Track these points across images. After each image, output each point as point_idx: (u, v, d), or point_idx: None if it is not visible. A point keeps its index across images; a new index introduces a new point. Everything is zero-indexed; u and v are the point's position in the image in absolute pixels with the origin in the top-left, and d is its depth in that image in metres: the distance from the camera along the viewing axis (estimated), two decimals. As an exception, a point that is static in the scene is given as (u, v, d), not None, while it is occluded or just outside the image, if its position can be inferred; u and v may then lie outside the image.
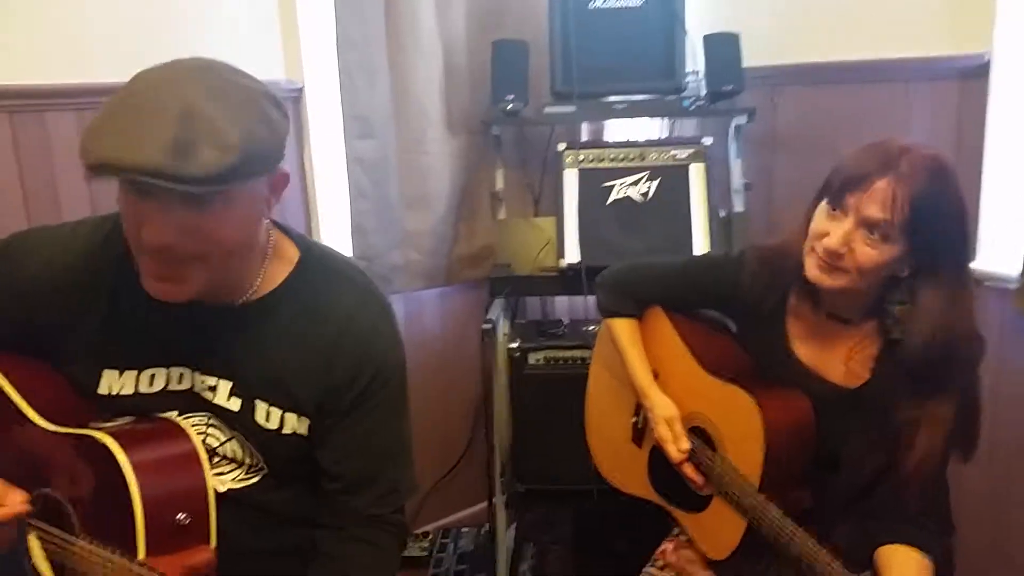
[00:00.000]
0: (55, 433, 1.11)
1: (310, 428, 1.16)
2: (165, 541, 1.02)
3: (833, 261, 1.23)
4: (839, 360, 1.35)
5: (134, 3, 2.00)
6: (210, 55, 2.07)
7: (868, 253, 1.20)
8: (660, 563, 1.50)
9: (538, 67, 2.45)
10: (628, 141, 2.71)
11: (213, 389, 1.15)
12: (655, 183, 2.37)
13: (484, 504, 2.44)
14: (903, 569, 1.23)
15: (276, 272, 1.16)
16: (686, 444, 1.45)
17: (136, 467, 1.02)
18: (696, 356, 1.49)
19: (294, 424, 1.15)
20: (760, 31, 2.48)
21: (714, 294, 1.51)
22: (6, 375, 1.15)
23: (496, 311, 2.36)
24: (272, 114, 1.03)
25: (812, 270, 1.27)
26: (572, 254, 2.35)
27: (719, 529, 1.42)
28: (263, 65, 2.24)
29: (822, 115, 2.42)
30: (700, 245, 2.27)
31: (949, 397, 1.25)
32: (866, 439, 1.29)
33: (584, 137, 2.77)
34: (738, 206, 2.47)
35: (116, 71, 1.83)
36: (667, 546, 1.53)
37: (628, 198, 2.38)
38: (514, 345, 2.32)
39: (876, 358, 1.32)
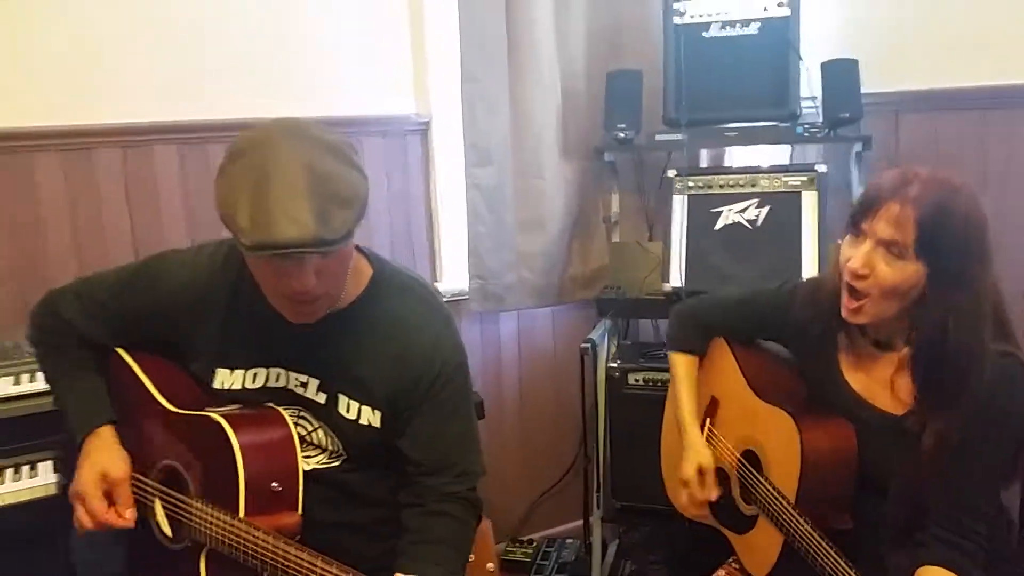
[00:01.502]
0: (179, 414, 1.34)
1: (382, 420, 1.32)
2: (261, 504, 1.22)
3: (857, 283, 1.30)
4: (885, 386, 1.38)
5: (271, 42, 2.27)
6: (346, 94, 2.34)
7: (886, 272, 1.28)
8: (712, 584, 1.56)
9: (653, 94, 2.55)
10: (738, 167, 2.75)
11: (304, 385, 1.34)
12: (764, 210, 2.39)
13: (588, 518, 2.53)
14: None
15: (354, 287, 1.34)
16: (714, 494, 1.55)
17: (242, 442, 1.23)
18: (750, 383, 1.56)
19: (369, 416, 1.32)
20: (880, 57, 2.45)
21: (769, 323, 1.58)
22: (143, 368, 1.40)
23: (599, 331, 2.46)
24: (355, 159, 1.21)
25: (844, 312, 1.35)
26: (676, 278, 2.42)
27: (761, 547, 1.47)
28: (396, 100, 2.48)
29: (944, 141, 2.36)
30: (809, 272, 2.26)
31: (978, 416, 1.27)
32: (912, 465, 1.30)
33: (704, 164, 2.83)
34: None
35: (252, 108, 2.16)
36: (720, 572, 1.59)
37: (737, 224, 2.41)
38: (614, 365, 2.41)
39: (918, 386, 1.33)
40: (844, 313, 1.35)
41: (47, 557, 1.59)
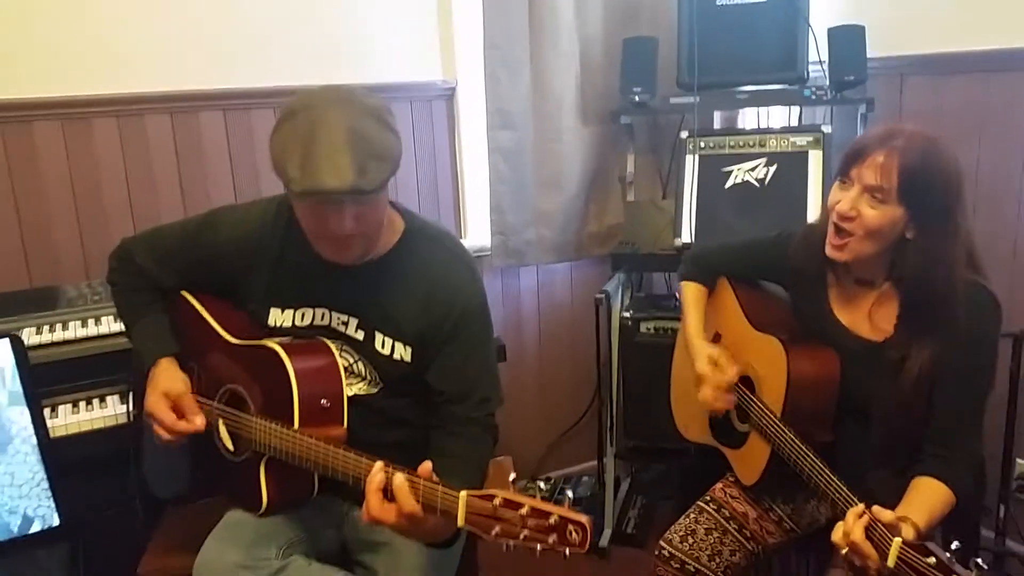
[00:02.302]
0: (239, 344, 1.53)
1: (412, 355, 1.50)
2: (313, 418, 1.40)
3: (844, 224, 1.45)
4: (867, 318, 1.55)
5: (308, 14, 2.42)
6: (377, 62, 2.49)
7: (871, 214, 1.43)
8: (708, 497, 1.74)
9: (668, 60, 2.67)
10: (748, 128, 2.88)
11: (345, 324, 1.53)
12: (772, 168, 2.52)
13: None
14: (922, 490, 1.37)
15: (388, 237, 1.51)
16: (732, 371, 1.65)
17: (295, 366, 1.41)
18: (748, 316, 1.73)
19: (401, 351, 1.50)
20: (886, 22, 2.55)
21: (769, 266, 1.73)
22: (206, 308, 1.60)
23: (613, 284, 2.62)
24: (391, 121, 1.37)
25: (828, 249, 1.51)
26: (686, 234, 2.57)
27: (752, 458, 1.65)
28: (424, 67, 2.64)
29: (948, 104, 2.46)
30: (813, 227, 2.40)
31: (958, 343, 1.42)
32: (892, 388, 1.46)
33: (717, 125, 2.95)
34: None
35: (291, 76, 2.33)
36: (718, 485, 1.76)
37: (746, 182, 2.55)
38: (627, 315, 2.58)
39: (898, 315, 1.50)
40: (828, 250, 1.50)
41: (120, 477, 1.80)
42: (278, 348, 1.44)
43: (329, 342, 1.51)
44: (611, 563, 2.61)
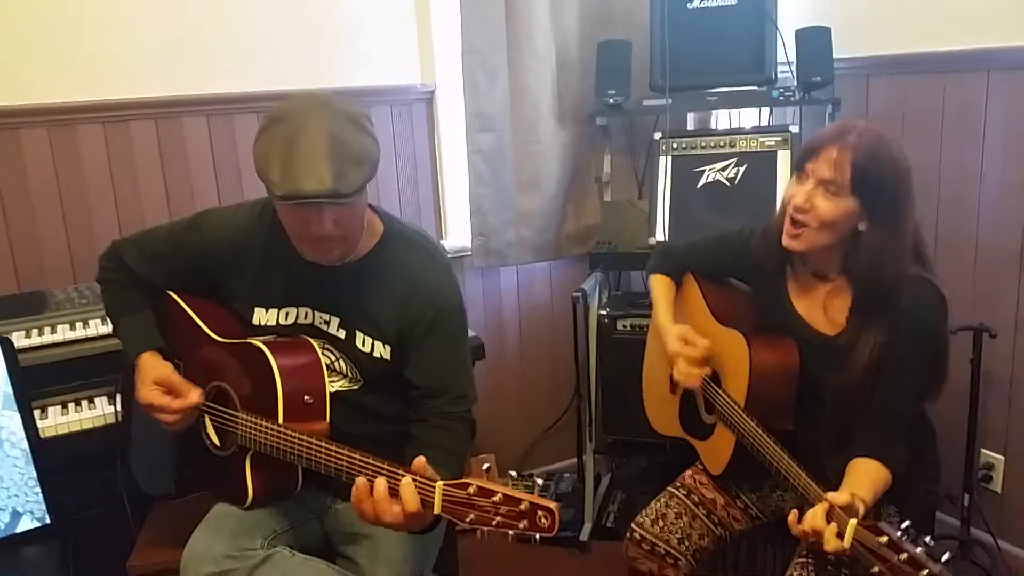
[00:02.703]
0: (225, 343, 1.58)
1: (391, 353, 1.57)
2: (296, 413, 1.46)
3: (800, 216, 1.52)
4: (821, 309, 1.62)
5: (289, 21, 2.47)
6: (358, 67, 2.54)
7: (825, 206, 1.50)
8: (678, 483, 1.81)
9: (643, 63, 2.74)
10: (718, 129, 2.96)
11: (327, 322, 1.59)
12: (743, 168, 2.60)
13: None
14: (860, 469, 1.45)
15: (369, 240, 1.57)
16: (702, 343, 1.70)
17: (279, 363, 1.47)
18: (712, 311, 1.80)
19: (381, 349, 1.57)
20: (852, 24, 2.63)
21: (732, 261, 1.81)
22: (192, 308, 1.65)
23: (590, 283, 2.68)
24: (372, 129, 1.43)
25: (784, 239, 1.58)
26: (661, 232, 2.64)
27: (719, 448, 1.72)
28: (403, 72, 2.69)
29: (912, 103, 2.53)
30: (782, 225, 2.48)
31: (899, 335, 1.50)
32: (843, 378, 1.53)
33: (691, 126, 3.03)
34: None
35: (273, 81, 2.38)
36: (688, 472, 1.83)
37: (717, 182, 2.62)
38: (604, 312, 2.64)
39: (849, 308, 1.57)
40: (784, 240, 1.57)
41: (109, 476, 1.85)
42: (263, 346, 1.49)
43: (312, 340, 1.56)
44: (591, 557, 2.68)
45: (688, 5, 2.68)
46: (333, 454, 1.37)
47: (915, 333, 1.51)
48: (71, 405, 1.97)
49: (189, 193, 2.42)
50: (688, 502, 1.76)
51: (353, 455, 1.34)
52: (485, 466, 1.27)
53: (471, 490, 1.20)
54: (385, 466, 1.31)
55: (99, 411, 1.96)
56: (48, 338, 1.98)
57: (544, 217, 2.88)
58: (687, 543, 1.71)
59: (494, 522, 1.18)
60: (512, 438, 3.05)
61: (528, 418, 3.06)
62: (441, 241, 2.84)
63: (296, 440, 1.42)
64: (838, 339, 1.57)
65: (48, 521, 1.78)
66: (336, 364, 1.59)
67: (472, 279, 2.89)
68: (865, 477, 1.43)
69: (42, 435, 1.83)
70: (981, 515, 2.37)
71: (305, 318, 1.59)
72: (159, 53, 2.33)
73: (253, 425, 1.47)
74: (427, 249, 1.62)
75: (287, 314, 1.60)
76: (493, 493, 1.18)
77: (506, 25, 2.69)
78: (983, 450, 2.43)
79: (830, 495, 1.34)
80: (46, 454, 1.79)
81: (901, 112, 2.57)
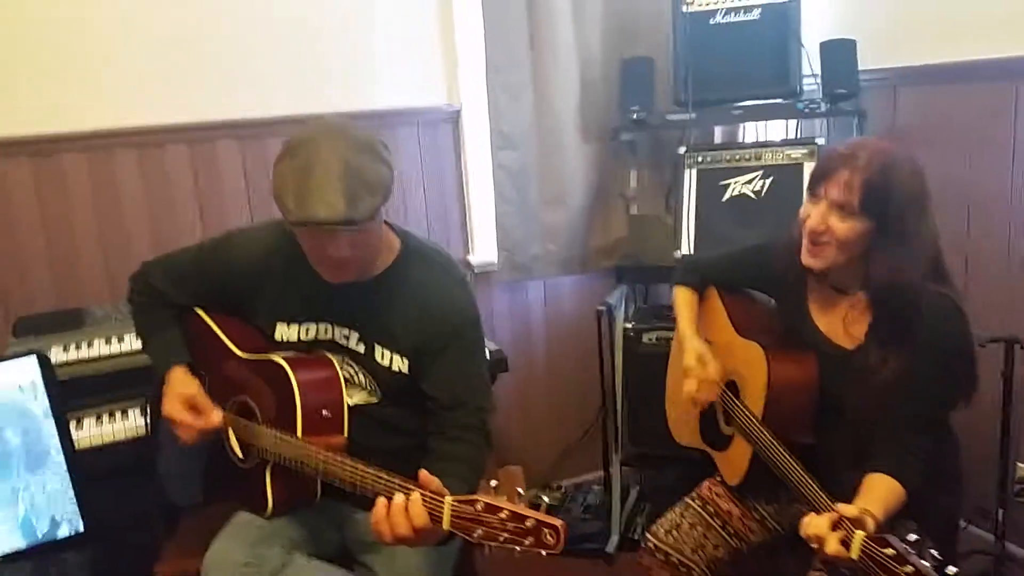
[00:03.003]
0: (247, 358, 1.64)
1: (410, 367, 1.60)
2: (314, 427, 1.51)
3: (816, 238, 1.53)
4: (841, 324, 1.62)
5: (318, 45, 2.55)
6: (384, 89, 2.61)
7: (840, 227, 1.51)
8: (694, 494, 1.82)
9: (666, 78, 2.76)
10: (744, 142, 2.96)
11: (347, 337, 1.63)
12: (768, 181, 2.60)
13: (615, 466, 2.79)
14: (874, 485, 1.43)
15: (386, 257, 1.62)
16: (714, 369, 1.74)
17: (298, 378, 1.52)
18: (733, 323, 1.81)
19: (399, 363, 1.60)
20: (878, 34, 2.62)
21: (754, 274, 1.82)
22: (218, 324, 1.71)
23: (616, 296, 2.71)
24: (387, 156, 1.48)
25: (804, 257, 1.59)
26: (686, 247, 2.65)
27: (736, 459, 1.72)
28: (428, 93, 2.75)
29: (939, 113, 2.51)
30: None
31: (917, 350, 1.49)
32: (862, 393, 1.52)
33: (718, 140, 3.03)
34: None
35: (302, 104, 2.45)
36: (705, 483, 1.84)
37: (743, 195, 2.63)
38: (629, 325, 2.65)
39: (868, 324, 1.57)
40: (804, 258, 1.58)
41: (141, 484, 1.91)
42: (283, 362, 1.54)
43: (331, 356, 1.61)
44: (617, 568, 2.68)
45: (710, 21, 2.70)
46: (348, 468, 1.41)
47: (933, 348, 1.50)
48: (105, 417, 2.05)
49: (221, 214, 2.50)
50: (703, 513, 1.76)
51: (367, 470, 1.38)
52: (493, 483, 1.29)
53: (479, 507, 1.22)
54: (397, 481, 1.34)
55: (132, 423, 2.03)
56: (85, 353, 2.07)
57: (570, 231, 2.90)
58: (701, 553, 1.72)
59: (501, 538, 1.20)
60: (540, 450, 3.06)
61: (556, 430, 3.07)
62: (468, 256, 2.88)
63: (313, 453, 1.46)
64: (857, 354, 1.57)
65: (82, 529, 1.85)
66: (356, 378, 1.63)
67: (499, 293, 2.93)
68: (877, 493, 1.42)
69: (78, 445, 1.91)
70: (1016, 529, 2.32)
71: (325, 333, 1.64)
72: (189, 79, 2.42)
73: (273, 438, 1.52)
74: (442, 265, 1.66)
75: (307, 329, 1.64)
76: (500, 510, 1.20)
77: (529, 42, 2.74)
78: (1018, 463, 2.38)
79: (840, 506, 1.34)
80: (81, 464, 1.87)
81: (929, 123, 2.55)
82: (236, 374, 1.64)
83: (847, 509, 1.32)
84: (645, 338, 2.66)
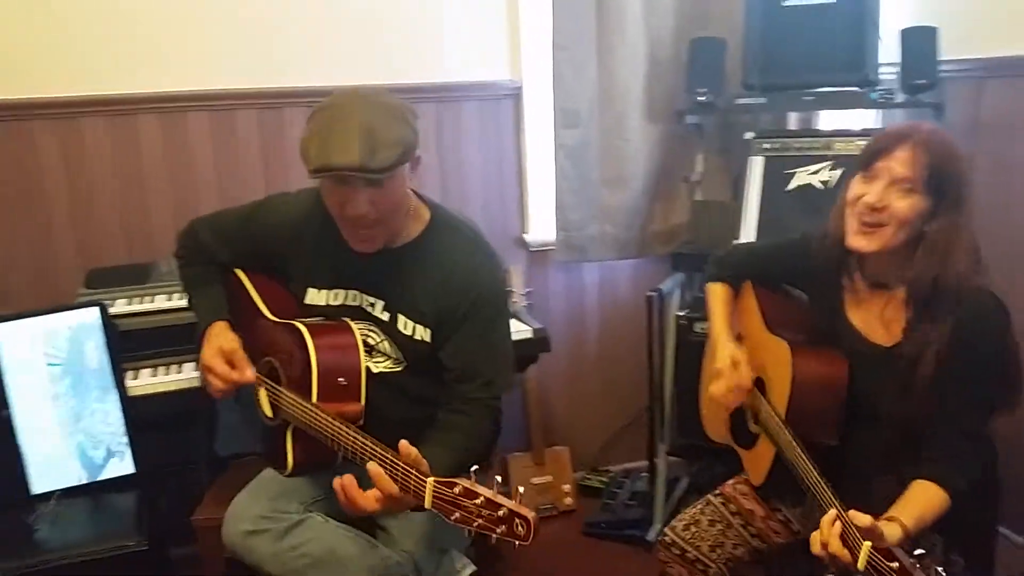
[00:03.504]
0: (276, 322, 1.70)
1: (432, 336, 1.63)
2: (330, 394, 1.56)
3: (873, 217, 1.47)
4: (880, 322, 1.56)
5: (382, 18, 2.59)
6: (447, 63, 2.63)
7: (901, 205, 1.45)
8: (717, 491, 1.79)
9: (737, 61, 2.68)
10: (814, 130, 2.84)
11: (372, 305, 1.67)
12: (838, 172, 2.49)
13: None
14: (916, 492, 1.39)
15: (415, 228, 1.65)
16: (747, 378, 1.69)
17: (316, 345, 1.57)
18: (765, 318, 1.75)
19: (422, 333, 1.64)
20: (964, 23, 2.48)
21: (789, 267, 1.76)
22: (254, 285, 1.78)
23: (670, 283, 2.66)
24: (412, 121, 1.52)
25: (852, 237, 1.51)
26: (747, 236, 2.58)
27: (760, 458, 1.68)
28: (491, 67, 2.75)
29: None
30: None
31: (959, 348, 1.44)
32: (900, 393, 1.47)
33: (792, 127, 2.93)
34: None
35: (367, 76, 2.50)
36: (730, 480, 1.80)
37: (809, 185, 2.54)
38: (681, 314, 2.61)
39: (907, 319, 1.51)
40: (852, 241, 1.50)
41: (194, 433, 2.03)
42: (303, 328, 1.60)
43: (357, 323, 1.66)
44: (654, 558, 2.65)
45: (784, 2, 2.60)
46: (350, 437, 1.46)
47: (975, 345, 1.45)
48: (161, 368, 2.15)
49: (285, 178, 2.55)
50: (724, 511, 1.73)
51: (366, 441, 1.42)
52: (473, 468, 1.33)
53: (457, 490, 1.25)
54: (389, 456, 1.38)
55: (185, 375, 2.13)
56: (147, 306, 2.18)
57: (629, 214, 2.87)
58: (719, 551, 1.69)
59: (475, 523, 1.24)
60: (589, 433, 3.07)
61: (606, 414, 3.07)
62: (524, 235, 2.89)
63: (322, 419, 1.51)
64: (896, 350, 1.51)
65: (133, 470, 1.97)
66: (381, 345, 1.68)
67: (554, 273, 2.93)
68: (916, 500, 1.39)
69: (132, 393, 2.03)
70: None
71: (353, 300, 1.69)
72: (263, 46, 2.50)
73: (291, 401, 1.58)
74: (469, 238, 1.68)
75: (336, 295, 1.70)
76: (476, 495, 1.23)
77: (597, 20, 2.69)
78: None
79: (851, 513, 1.30)
80: (135, 410, 1.99)
81: (1017, 118, 2.40)
82: (265, 336, 1.71)
83: (858, 518, 1.28)
84: (697, 327, 2.60)
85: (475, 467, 1.32)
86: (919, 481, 1.42)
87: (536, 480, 2.88)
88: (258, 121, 2.55)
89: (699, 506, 1.76)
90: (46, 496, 1.95)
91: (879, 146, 1.49)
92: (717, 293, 1.87)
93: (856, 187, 1.51)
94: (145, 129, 2.45)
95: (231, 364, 1.67)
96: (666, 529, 1.75)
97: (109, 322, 1.95)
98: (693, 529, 1.72)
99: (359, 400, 1.59)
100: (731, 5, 2.75)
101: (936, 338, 1.45)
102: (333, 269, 1.68)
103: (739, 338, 1.87)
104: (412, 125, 1.51)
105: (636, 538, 2.72)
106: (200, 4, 2.43)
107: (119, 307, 2.14)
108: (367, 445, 1.42)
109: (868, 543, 1.23)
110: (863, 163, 1.51)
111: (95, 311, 1.98)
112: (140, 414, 2.00)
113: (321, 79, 2.53)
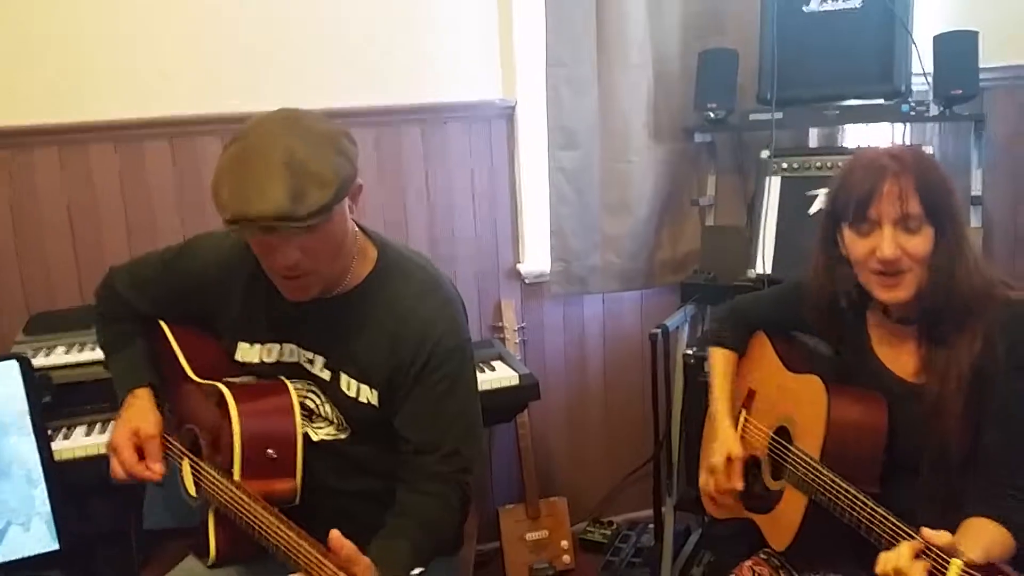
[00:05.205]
0: (197, 383, 1.44)
1: (380, 399, 1.38)
2: (256, 469, 1.30)
3: (891, 268, 1.32)
4: (907, 357, 1.43)
5: (365, 36, 2.39)
6: (437, 80, 2.41)
7: (913, 244, 1.32)
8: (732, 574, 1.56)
9: (751, 74, 2.44)
10: (838, 148, 2.59)
11: (311, 362, 1.42)
12: (863, 194, 2.24)
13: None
14: (971, 528, 1.23)
15: (360, 269, 1.40)
16: (738, 483, 1.56)
17: (240, 410, 1.31)
18: (784, 361, 1.60)
19: (367, 394, 1.38)
20: (1006, 27, 2.22)
21: (798, 312, 1.57)
22: (177, 340, 1.51)
23: (678, 317, 2.41)
24: (348, 148, 1.27)
25: (880, 293, 1.36)
26: (764, 264, 2.33)
27: (786, 515, 1.46)
28: (482, 86, 2.53)
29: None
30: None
31: (999, 369, 1.31)
32: (941, 428, 1.33)
33: (813, 144, 2.67)
34: (974, 221, 2.24)
35: (349, 97, 2.28)
36: (746, 563, 1.57)
37: (832, 209, 2.28)
38: (689, 352, 2.35)
39: (926, 347, 1.39)
40: (883, 297, 1.36)
41: (120, 501, 1.78)
42: (224, 389, 1.35)
43: (291, 384, 1.41)
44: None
45: (804, 8, 2.37)
46: (273, 530, 1.20)
47: (1016, 362, 1.30)
48: (97, 426, 1.93)
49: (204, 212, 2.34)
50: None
51: (289, 533, 1.17)
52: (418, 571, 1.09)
53: None
54: (315, 554, 1.14)
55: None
56: (88, 355, 1.95)
57: (634, 242, 2.62)
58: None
59: None
60: (591, 481, 2.81)
61: (610, 461, 2.81)
62: (517, 265, 2.65)
63: (242, 504, 1.26)
64: (928, 383, 1.37)
65: (57, 546, 1.74)
66: (321, 409, 1.43)
67: (551, 307, 2.69)
68: (977, 536, 1.20)
69: (62, 456, 1.79)
70: None
71: (290, 355, 1.44)
72: (245, 68, 2.31)
73: (210, 478, 1.34)
74: (424, 282, 1.42)
75: (270, 350, 1.45)
76: None
77: (596, 34, 2.48)
78: None
79: (925, 532, 1.13)
80: (61, 477, 1.74)
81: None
82: (188, 399, 1.46)
83: (936, 537, 1.11)
84: (707, 366, 2.34)
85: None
86: (972, 519, 1.25)
87: (531, 536, 2.61)
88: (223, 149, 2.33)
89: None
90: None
91: (861, 193, 1.34)
92: (718, 361, 1.71)
93: (858, 245, 1.36)
94: (98, 159, 2.25)
95: (141, 452, 1.42)
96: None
97: (31, 377, 1.71)
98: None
99: (293, 476, 1.33)
100: (744, 13, 2.52)
101: (955, 353, 1.33)
102: (267, 320, 1.44)
103: (751, 394, 1.65)
104: (348, 153, 1.26)
105: (644, 600, 2.45)
106: (157, 27, 2.24)
107: (56, 356, 1.93)
108: (290, 538, 1.17)
109: (958, 560, 1.07)
110: (854, 216, 1.35)
111: (11, 365, 1.74)
112: (68, 480, 1.76)
113: (300, 101, 2.31)
